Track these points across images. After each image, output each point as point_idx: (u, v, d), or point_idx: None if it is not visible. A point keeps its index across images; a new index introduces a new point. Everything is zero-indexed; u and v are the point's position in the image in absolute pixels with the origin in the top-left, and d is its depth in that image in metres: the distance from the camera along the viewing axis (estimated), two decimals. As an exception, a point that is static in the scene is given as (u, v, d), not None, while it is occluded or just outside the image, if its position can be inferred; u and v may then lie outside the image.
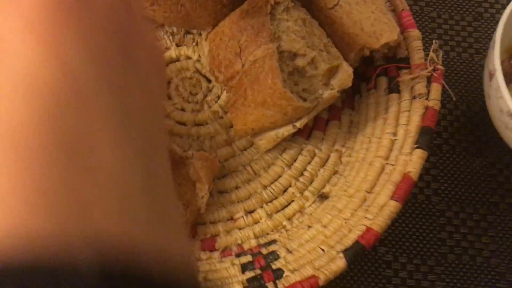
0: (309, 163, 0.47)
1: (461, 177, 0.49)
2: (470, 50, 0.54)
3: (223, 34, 0.43)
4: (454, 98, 0.48)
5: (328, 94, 0.40)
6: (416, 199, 0.48)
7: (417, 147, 0.41)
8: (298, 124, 0.42)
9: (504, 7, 0.54)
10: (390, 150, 0.43)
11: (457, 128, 0.51)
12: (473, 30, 0.55)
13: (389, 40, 0.41)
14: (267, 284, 0.38)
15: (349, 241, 0.38)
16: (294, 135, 0.46)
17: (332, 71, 0.41)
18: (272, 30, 0.40)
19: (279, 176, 0.46)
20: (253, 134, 0.45)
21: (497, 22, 0.52)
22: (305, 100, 0.40)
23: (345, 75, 0.40)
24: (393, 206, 0.39)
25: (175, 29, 0.50)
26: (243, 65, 0.42)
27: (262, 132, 0.44)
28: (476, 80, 0.53)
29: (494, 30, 0.54)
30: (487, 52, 0.46)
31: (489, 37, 0.55)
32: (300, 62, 0.40)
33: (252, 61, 0.41)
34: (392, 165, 0.42)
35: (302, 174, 0.46)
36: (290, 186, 0.46)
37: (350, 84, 0.40)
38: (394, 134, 0.44)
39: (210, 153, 0.46)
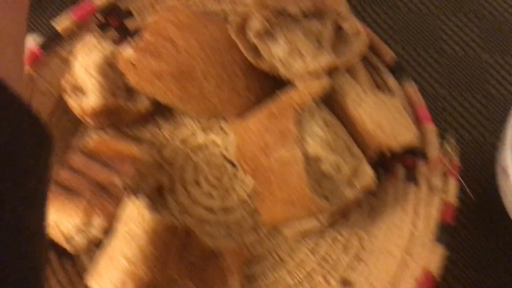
0: (331, 248, 0.49)
1: (480, 261, 0.51)
2: (480, 129, 0.57)
3: (249, 130, 0.46)
4: (472, 197, 0.50)
5: (352, 194, 0.43)
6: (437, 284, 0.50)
7: (437, 243, 0.44)
8: (324, 220, 0.45)
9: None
10: (410, 241, 0.45)
11: (474, 211, 0.53)
12: (483, 109, 0.58)
13: (408, 142, 0.44)
14: None
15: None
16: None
17: (355, 173, 0.43)
18: (297, 134, 0.42)
19: (304, 262, 0.48)
20: (279, 226, 0.47)
21: (508, 101, 0.55)
22: (329, 200, 0.43)
23: (367, 177, 0.43)
24: (414, 303, 0.41)
25: (201, 116, 0.53)
26: (268, 162, 0.44)
27: (288, 223, 0.47)
28: (488, 159, 0.55)
29: (504, 108, 0.56)
30: (499, 143, 0.48)
31: (500, 115, 0.57)
32: (324, 166, 0.42)
33: (278, 160, 0.43)
34: (413, 258, 0.44)
35: (325, 260, 0.49)
36: (314, 272, 0.48)
37: (373, 186, 0.43)
38: (414, 224, 0.46)
39: (240, 245, 0.48)
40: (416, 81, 0.57)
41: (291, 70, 0.46)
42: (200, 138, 0.53)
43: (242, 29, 0.46)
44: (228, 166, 0.52)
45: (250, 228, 0.50)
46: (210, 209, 0.50)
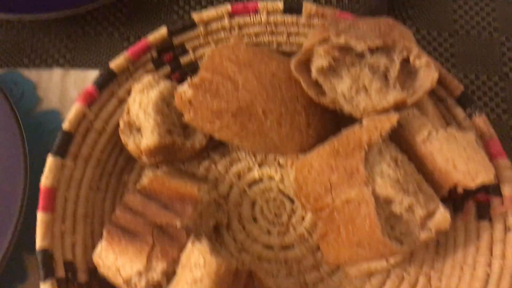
0: (398, 287, 0.47)
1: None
2: (497, 110, 0.54)
3: (311, 167, 0.44)
4: None
5: (425, 236, 0.41)
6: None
7: (516, 285, 0.41)
8: (392, 261, 0.42)
9: None
10: (486, 282, 0.43)
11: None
12: (500, 90, 0.55)
13: (485, 181, 0.41)
14: None
15: None
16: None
17: (429, 215, 0.41)
18: (366, 174, 0.40)
19: (369, 303, 0.46)
20: (343, 265, 0.45)
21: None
22: (401, 243, 0.41)
23: (442, 219, 0.40)
24: None
25: (257, 150, 0.52)
26: (333, 201, 0.42)
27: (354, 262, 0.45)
28: (505, 139, 0.52)
29: None
30: None
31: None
32: (397, 208, 0.40)
33: (344, 200, 0.41)
34: (491, 302, 0.42)
35: (392, 300, 0.46)
36: (382, 314, 0.46)
37: (448, 228, 0.41)
38: (489, 265, 0.43)
39: (302, 284, 0.46)
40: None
41: (357, 107, 0.44)
42: (256, 172, 0.51)
43: (304, 65, 0.44)
44: (286, 201, 0.50)
45: (310, 266, 0.48)
46: (268, 246, 0.49)
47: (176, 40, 0.50)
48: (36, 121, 0.54)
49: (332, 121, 0.48)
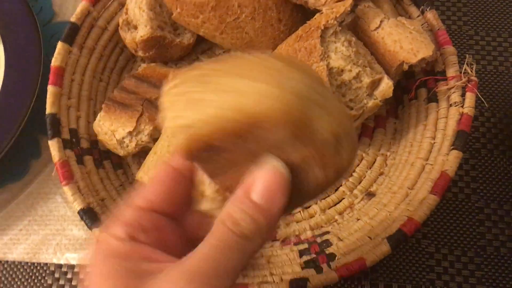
0: (358, 165, 0.53)
1: (498, 177, 0.54)
2: (506, 64, 0.59)
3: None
4: (486, 105, 0.53)
5: (372, 103, 0.47)
6: (456, 197, 0.53)
7: (453, 148, 0.47)
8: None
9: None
10: (430, 152, 0.49)
11: (495, 133, 0.56)
12: (509, 45, 0.60)
13: (425, 55, 0.47)
14: (321, 265, 0.45)
15: (392, 229, 0.44)
16: (344, 141, 0.53)
17: (374, 84, 0.47)
18: (322, 50, 0.47)
19: (331, 177, 0.53)
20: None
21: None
22: (351, 109, 0.47)
23: (386, 87, 0.47)
24: (432, 199, 0.45)
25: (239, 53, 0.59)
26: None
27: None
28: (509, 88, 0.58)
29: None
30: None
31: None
32: (346, 76, 0.47)
33: (306, 78, 0.48)
34: (431, 164, 0.48)
35: (351, 175, 0.53)
36: (341, 185, 0.52)
37: (391, 95, 0.47)
38: (433, 138, 0.49)
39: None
40: (444, 23, 0.60)
41: (320, 1, 0.51)
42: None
43: None
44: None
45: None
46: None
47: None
48: (51, 31, 0.63)
49: (302, 19, 0.54)
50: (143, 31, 0.53)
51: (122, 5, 0.57)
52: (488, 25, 0.61)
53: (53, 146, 0.48)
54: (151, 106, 0.50)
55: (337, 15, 0.48)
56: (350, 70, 0.47)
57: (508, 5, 0.62)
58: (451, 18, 0.62)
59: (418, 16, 0.53)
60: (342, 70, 0.47)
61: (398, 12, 0.55)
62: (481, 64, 0.59)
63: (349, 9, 0.48)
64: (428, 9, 0.53)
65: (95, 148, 0.53)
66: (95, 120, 0.53)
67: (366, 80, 0.47)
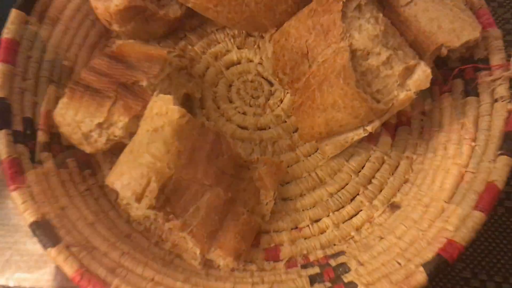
0: (378, 170, 0.44)
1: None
2: None
3: (288, 35, 0.41)
4: None
5: (404, 95, 0.38)
6: (495, 211, 0.44)
7: (501, 154, 0.38)
8: (370, 128, 0.40)
9: None
10: (470, 157, 0.40)
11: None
12: None
13: (471, 38, 0.38)
14: (339, 298, 0.36)
15: (429, 254, 0.35)
16: (361, 140, 0.44)
17: (408, 71, 0.38)
18: (344, 28, 0.38)
19: (346, 184, 0.44)
20: (319, 139, 0.43)
21: None
22: (379, 101, 0.38)
23: (422, 76, 0.38)
24: (477, 217, 0.36)
25: (236, 32, 0.49)
26: (310, 66, 0.40)
27: (330, 137, 0.42)
28: None
29: None
30: None
31: None
32: (374, 61, 0.37)
33: (320, 62, 0.39)
34: (473, 172, 0.39)
35: (370, 182, 0.44)
36: (358, 194, 0.43)
37: (428, 85, 0.38)
38: (473, 140, 0.40)
39: (275, 158, 0.44)
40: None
41: None
42: (235, 54, 0.49)
43: None
44: (264, 83, 0.48)
45: (286, 147, 0.45)
46: (243, 126, 0.46)
47: None
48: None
49: None
50: (118, 1, 0.43)
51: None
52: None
53: (1, 140, 0.38)
54: (127, 91, 0.40)
55: None
56: (379, 53, 0.37)
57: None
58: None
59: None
60: (368, 53, 0.38)
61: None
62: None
63: None
64: (468, -17, 0.43)
65: (56, 143, 0.42)
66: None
67: (398, 66, 0.37)
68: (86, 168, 0.43)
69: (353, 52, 0.38)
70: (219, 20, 0.46)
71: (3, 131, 0.39)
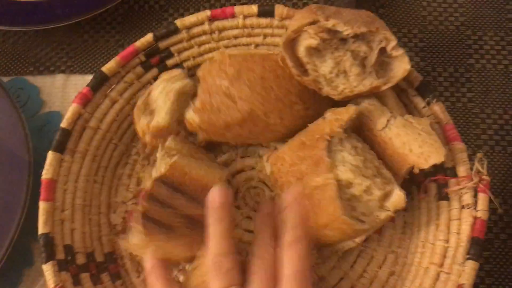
0: (368, 265, 0.51)
1: (512, 270, 0.52)
2: None
3: (283, 161, 0.49)
4: (500, 210, 0.51)
5: (384, 215, 0.45)
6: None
7: (468, 258, 0.45)
8: (358, 240, 0.47)
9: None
10: (444, 257, 0.47)
11: (507, 222, 0.54)
12: None
13: (437, 161, 0.45)
14: None
15: None
16: (352, 239, 0.51)
17: (386, 195, 0.45)
18: (329, 162, 0.45)
19: (341, 279, 0.51)
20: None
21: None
22: (363, 222, 0.45)
23: (398, 198, 0.45)
24: (450, 318, 0.43)
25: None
26: (304, 189, 0.47)
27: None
28: None
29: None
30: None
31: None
32: (356, 191, 0.45)
33: (313, 187, 0.46)
34: (447, 273, 0.46)
35: (362, 276, 0.51)
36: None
37: (404, 206, 0.45)
38: (447, 241, 0.47)
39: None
40: (448, 100, 0.59)
41: (336, 88, 0.48)
42: (238, 163, 0.56)
43: (290, 45, 0.48)
44: (266, 189, 0.55)
45: (288, 248, 0.52)
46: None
47: (162, 45, 0.55)
48: (40, 121, 0.60)
49: (327, 100, 0.50)
50: (161, 118, 0.50)
51: (113, 101, 0.54)
52: (493, 101, 0.59)
53: (48, 271, 0.46)
54: (196, 225, 0.44)
55: (342, 123, 0.46)
56: (360, 184, 0.45)
57: (511, 78, 0.60)
58: (455, 95, 0.60)
59: (424, 107, 0.51)
60: (351, 183, 0.45)
61: (403, 100, 0.53)
62: (488, 145, 0.57)
63: (354, 116, 0.46)
64: (434, 101, 0.51)
65: (91, 261, 0.50)
66: (90, 229, 0.51)
67: (377, 193, 0.45)
68: (117, 279, 0.51)
69: (339, 182, 0.45)
70: (229, 140, 0.53)
71: (50, 263, 0.46)
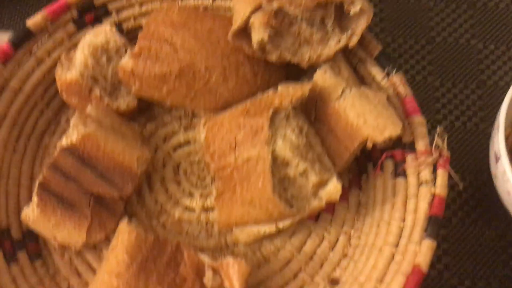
0: (318, 246, 0.47)
1: (471, 250, 0.49)
2: (474, 119, 0.55)
3: (221, 126, 0.44)
4: (461, 187, 0.48)
5: (316, 204, 0.42)
6: (428, 274, 0.47)
7: (425, 237, 0.42)
8: (281, 225, 0.43)
9: (506, 73, 0.55)
10: (399, 236, 0.43)
11: (465, 199, 0.52)
12: (477, 98, 0.55)
13: (392, 134, 0.42)
14: None
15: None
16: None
17: (322, 184, 0.42)
18: (269, 133, 0.41)
19: (289, 261, 0.46)
20: (234, 228, 0.46)
21: (501, 89, 0.53)
22: (292, 206, 0.41)
23: (334, 190, 0.42)
24: (404, 300, 0.39)
25: (182, 113, 0.51)
26: (235, 160, 0.43)
27: (244, 226, 0.45)
28: (482, 149, 0.53)
29: (497, 97, 0.54)
30: (492, 130, 0.46)
31: (493, 104, 0.55)
32: (291, 171, 0.41)
33: (245, 158, 0.42)
34: (402, 253, 0.42)
35: (311, 259, 0.47)
36: (300, 271, 0.46)
37: (337, 199, 0.42)
38: (403, 220, 0.44)
39: (237, 257, 0.45)
40: (408, 73, 0.56)
41: (302, 57, 0.45)
42: (182, 136, 0.51)
43: (242, 32, 0.44)
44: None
45: (232, 228, 0.48)
46: (190, 208, 0.48)
47: (98, 1, 0.49)
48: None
49: (279, 68, 0.48)
50: (70, 74, 0.45)
51: (40, 61, 0.48)
52: (454, 75, 0.56)
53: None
54: (100, 207, 0.42)
55: (293, 99, 0.42)
56: (297, 165, 0.41)
57: (472, 52, 0.57)
58: (415, 68, 0.57)
59: (383, 78, 0.48)
60: (287, 163, 0.41)
61: (361, 72, 0.49)
62: (448, 120, 0.54)
63: (306, 94, 0.42)
64: (393, 72, 0.47)
65: (7, 238, 0.44)
66: (6, 203, 0.45)
67: (313, 178, 0.41)
68: (37, 258, 0.45)
69: (274, 159, 0.41)
70: (197, 109, 0.48)
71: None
